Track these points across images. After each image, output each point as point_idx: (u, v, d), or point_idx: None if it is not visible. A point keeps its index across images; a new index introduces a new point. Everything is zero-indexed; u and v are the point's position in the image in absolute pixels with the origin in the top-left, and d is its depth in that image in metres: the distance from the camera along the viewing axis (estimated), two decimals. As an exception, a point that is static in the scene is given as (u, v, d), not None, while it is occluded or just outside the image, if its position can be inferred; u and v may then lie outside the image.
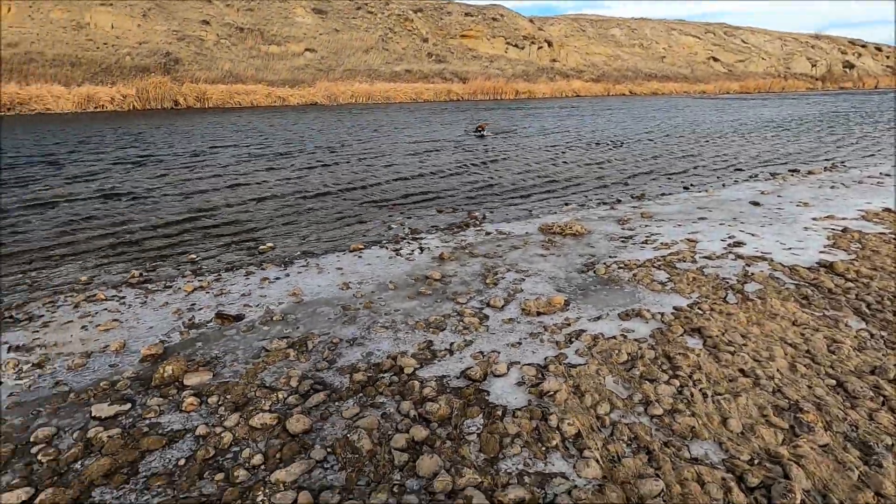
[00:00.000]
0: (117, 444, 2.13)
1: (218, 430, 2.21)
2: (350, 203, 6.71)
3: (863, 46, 69.39)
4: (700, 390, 2.46)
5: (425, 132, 14.88)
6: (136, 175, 8.58)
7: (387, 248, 4.81)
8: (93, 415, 2.34)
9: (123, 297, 3.73)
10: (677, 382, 2.52)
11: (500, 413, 2.31)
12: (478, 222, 5.70)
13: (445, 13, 45.37)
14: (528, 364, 2.73)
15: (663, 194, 7.11)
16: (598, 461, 2.01)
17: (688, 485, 1.89)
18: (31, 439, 2.18)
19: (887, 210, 5.80)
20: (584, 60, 48.12)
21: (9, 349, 2.98)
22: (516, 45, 44.82)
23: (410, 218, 5.97)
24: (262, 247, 4.91)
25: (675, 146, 12.18)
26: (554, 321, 3.24)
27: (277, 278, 4.08)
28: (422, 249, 4.72)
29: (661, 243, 4.76)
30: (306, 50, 35.41)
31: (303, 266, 4.38)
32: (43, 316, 3.45)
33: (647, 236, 5.01)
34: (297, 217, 6.06)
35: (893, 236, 4.84)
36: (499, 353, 2.85)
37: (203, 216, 6.08)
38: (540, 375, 2.61)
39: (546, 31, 49.16)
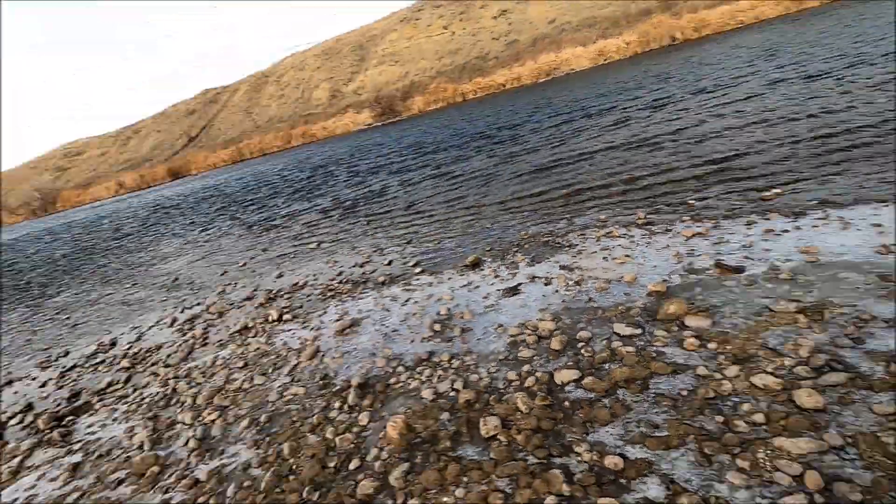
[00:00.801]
0: (633, 360, 2.66)
1: (717, 375, 2.37)
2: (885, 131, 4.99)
3: None
4: None
5: None
6: (649, 119, 9.44)
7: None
8: (615, 331, 2.99)
9: (633, 236, 4.38)
10: None
11: None
12: None
13: None
14: None
15: None
16: None
17: None
18: (577, 337, 3.04)
19: None
20: None
21: (560, 267, 4.16)
22: None
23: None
24: (765, 193, 4.49)
25: None
26: None
27: (785, 230, 3.68)
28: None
29: None
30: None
31: (819, 218, 3.73)
32: (577, 245, 4.55)
33: None
34: (815, 157, 5.11)
35: None
36: None
37: (710, 160, 6.10)
38: None
39: None
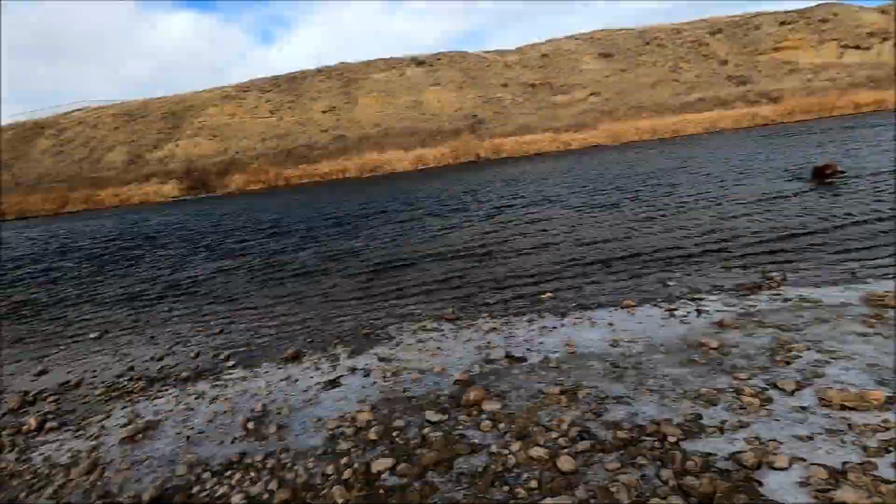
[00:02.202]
0: (441, 443, 3.01)
1: (505, 451, 2.86)
2: (619, 253, 6.88)
3: None
4: None
5: (721, 171, 13.53)
6: (464, 229, 10.84)
7: (660, 307, 4.84)
8: (426, 418, 3.34)
9: (443, 330, 4.97)
10: None
11: (772, 509, 2.22)
12: (775, 284, 5.05)
13: (752, 28, 39.94)
14: (819, 464, 2.46)
15: None
16: None
17: None
18: (393, 426, 3.30)
19: None
20: (981, 46, 34.27)
21: (379, 359, 4.45)
22: (857, 47, 35.61)
23: (690, 274, 5.74)
24: (542, 296, 5.64)
25: None
26: (865, 420, 2.75)
27: (555, 327, 4.68)
28: (699, 312, 4.56)
29: None
30: (590, 94, 36.83)
31: (577, 318, 4.86)
32: (395, 337, 4.95)
33: None
34: (576, 266, 6.63)
35: None
36: (781, 443, 2.65)
37: (486, 260, 7.32)
38: (833, 481, 2.34)
39: (909, 20, 37.27)
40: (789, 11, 41.12)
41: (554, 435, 2.95)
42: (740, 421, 2.89)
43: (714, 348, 3.81)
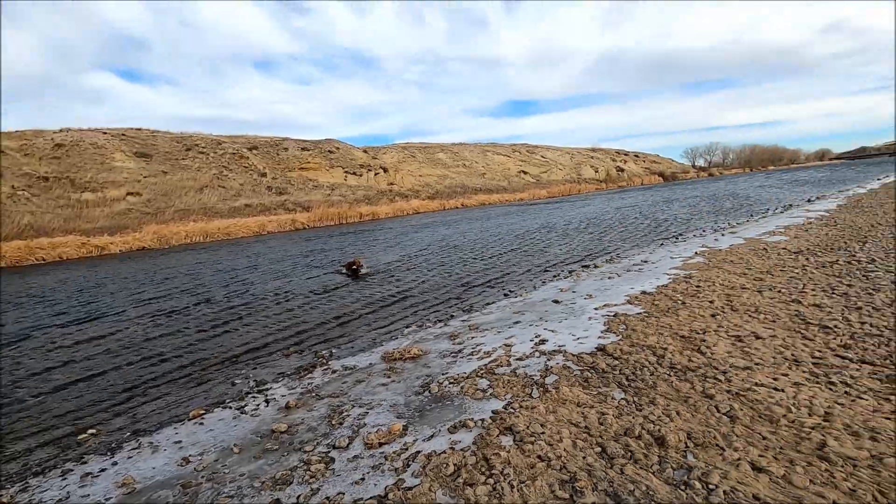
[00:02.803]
0: None
1: None
2: (186, 361, 6.44)
3: (626, 154, 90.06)
4: (508, 483, 3.02)
5: (272, 271, 14.91)
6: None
7: (230, 407, 4.78)
8: None
9: None
10: (492, 480, 3.06)
11: (343, 555, 2.54)
12: (325, 361, 5.97)
13: (282, 149, 47.47)
14: (371, 498, 3.03)
15: (488, 304, 8.27)
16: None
17: (497, 571, 2.34)
18: None
19: (643, 293, 7.63)
20: (418, 181, 53.55)
21: None
22: (354, 173, 48.29)
23: (256, 368, 5.98)
24: (81, 436, 4.47)
25: (496, 252, 14.19)
26: (393, 448, 3.62)
27: (103, 470, 3.79)
28: (268, 402, 4.80)
29: (484, 352, 5.59)
30: (128, 194, 33.43)
31: (134, 448, 4.12)
32: None
33: (473, 348, 5.82)
34: (123, 390, 5.62)
35: (646, 314, 6.41)
36: (343, 493, 3.11)
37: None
38: (379, 507, 2.93)
39: (380, 159, 54.15)
40: (307, 140, 51.73)
41: None
42: (312, 489, 3.20)
43: (283, 431, 4.09)
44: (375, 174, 49.68)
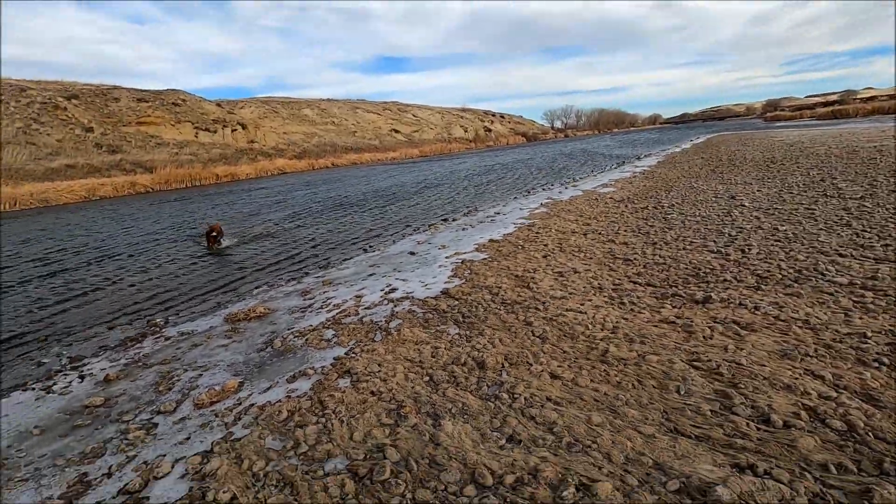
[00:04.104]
0: None
1: None
2: (-19, 347, 5.44)
3: (493, 115, 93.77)
4: (339, 419, 3.15)
5: (107, 244, 12.99)
6: None
7: (33, 388, 4.18)
8: None
9: None
10: (324, 420, 3.16)
11: (156, 512, 2.46)
12: (158, 329, 5.48)
13: (111, 99, 40.62)
14: (195, 454, 2.94)
15: (345, 259, 8.23)
16: (244, 512, 2.40)
17: (317, 495, 2.47)
18: None
19: (491, 241, 8.22)
20: (282, 139, 50.02)
21: None
22: (207, 129, 43.40)
23: (72, 345, 5.27)
24: None
25: (365, 211, 14.07)
26: (226, 405, 3.52)
27: None
28: (82, 377, 4.29)
29: (334, 305, 5.61)
30: None
31: None
32: None
33: (323, 302, 5.80)
34: None
35: (489, 259, 6.94)
36: (164, 455, 2.97)
37: None
38: (204, 460, 2.86)
39: (238, 114, 49.28)
40: (144, 91, 44.76)
41: None
42: (128, 457, 3.00)
43: (99, 405, 3.72)
44: (233, 131, 45.17)
